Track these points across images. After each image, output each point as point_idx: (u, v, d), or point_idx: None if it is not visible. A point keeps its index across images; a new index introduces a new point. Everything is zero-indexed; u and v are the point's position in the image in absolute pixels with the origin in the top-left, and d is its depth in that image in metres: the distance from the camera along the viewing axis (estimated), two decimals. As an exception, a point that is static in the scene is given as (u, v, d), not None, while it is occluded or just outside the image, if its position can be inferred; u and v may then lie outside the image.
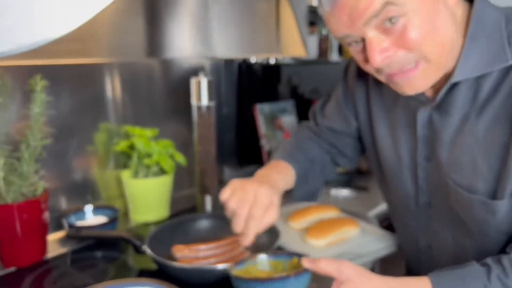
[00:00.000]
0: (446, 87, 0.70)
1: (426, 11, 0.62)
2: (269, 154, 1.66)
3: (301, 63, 1.55)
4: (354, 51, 0.70)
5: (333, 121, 0.98)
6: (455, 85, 0.70)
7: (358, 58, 0.70)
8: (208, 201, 1.26)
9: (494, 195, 0.68)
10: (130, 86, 1.32)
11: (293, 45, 1.27)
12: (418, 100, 0.76)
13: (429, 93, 0.76)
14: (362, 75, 0.89)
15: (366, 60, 0.67)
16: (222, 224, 1.10)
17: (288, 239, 1.03)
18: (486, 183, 0.68)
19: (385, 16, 0.62)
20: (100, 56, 1.25)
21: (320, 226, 1.04)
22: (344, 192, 1.47)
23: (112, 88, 1.28)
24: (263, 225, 0.81)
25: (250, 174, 1.71)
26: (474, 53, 0.67)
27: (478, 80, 0.68)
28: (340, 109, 0.96)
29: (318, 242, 1.00)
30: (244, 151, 1.68)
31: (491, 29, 0.67)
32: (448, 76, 0.70)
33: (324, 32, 1.63)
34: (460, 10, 0.69)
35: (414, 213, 0.85)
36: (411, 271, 1.01)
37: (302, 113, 1.84)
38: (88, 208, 1.20)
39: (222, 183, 1.64)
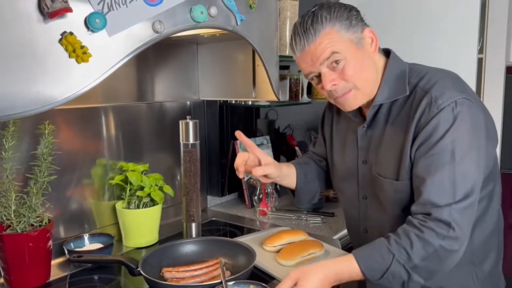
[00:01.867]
0: (371, 109, 1.05)
1: (356, 58, 0.99)
2: (248, 184, 1.83)
3: (275, 104, 1.75)
4: (314, 83, 1.05)
5: (316, 148, 1.35)
6: (378, 109, 1.05)
7: (318, 87, 1.05)
8: (193, 228, 1.40)
9: (397, 178, 1.00)
10: (123, 127, 1.48)
11: (267, 91, 1.46)
12: (358, 121, 1.11)
13: (365, 115, 1.09)
14: (330, 114, 1.25)
15: (322, 87, 1.02)
16: (206, 249, 1.26)
17: (263, 260, 1.20)
18: (392, 171, 1.01)
19: (332, 60, 0.98)
20: (96, 101, 1.40)
21: (290, 248, 1.21)
22: (314, 218, 1.64)
23: (107, 128, 1.44)
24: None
25: (231, 202, 1.89)
26: (387, 88, 1.03)
27: (391, 105, 1.04)
28: (319, 139, 1.33)
29: (287, 262, 1.17)
30: (225, 182, 1.85)
31: (399, 74, 1.04)
32: (371, 103, 1.05)
33: (295, 77, 1.85)
34: (381, 62, 1.06)
35: (356, 205, 1.15)
36: None
37: (277, 146, 2.03)
38: (86, 235, 1.34)
39: (205, 211, 1.80)
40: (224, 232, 1.59)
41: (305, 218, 1.65)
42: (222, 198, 1.89)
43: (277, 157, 2.01)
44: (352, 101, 1.03)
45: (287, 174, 1.25)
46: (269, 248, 1.27)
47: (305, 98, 1.94)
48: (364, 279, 0.94)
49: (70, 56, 0.82)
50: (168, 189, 1.44)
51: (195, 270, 1.14)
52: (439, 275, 0.95)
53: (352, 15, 0.98)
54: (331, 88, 1.00)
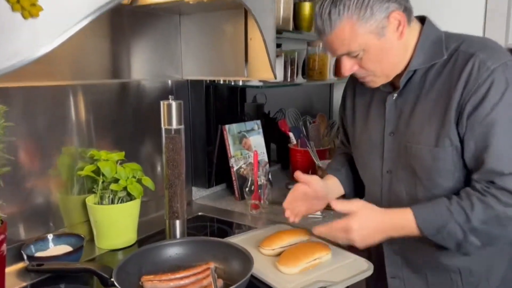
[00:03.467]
0: (405, 75, 1.02)
1: (376, 49, 0.97)
2: (237, 174, 1.65)
3: (266, 85, 1.57)
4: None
5: (342, 136, 1.33)
6: (411, 76, 1.02)
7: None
8: (178, 226, 1.22)
9: (436, 144, 0.98)
10: (95, 109, 1.28)
11: (262, 69, 1.28)
12: (387, 91, 1.07)
13: (396, 83, 1.05)
14: (351, 88, 1.21)
15: None
16: (193, 251, 1.08)
17: (260, 266, 1.02)
18: (429, 138, 0.99)
19: (350, 54, 0.99)
20: (63, 78, 1.20)
21: (292, 253, 1.04)
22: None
23: (76, 110, 1.23)
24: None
25: (219, 194, 1.71)
26: (422, 53, 1.00)
27: (426, 72, 1.01)
28: (341, 124, 1.30)
29: (289, 270, 1.00)
30: (212, 172, 1.67)
31: (434, 39, 1.01)
32: (403, 71, 1.02)
33: (290, 55, 1.66)
34: (415, 31, 1.02)
35: (379, 181, 1.11)
36: None
37: (268, 133, 1.85)
38: (50, 236, 1.15)
39: (190, 205, 1.62)
40: (212, 229, 1.42)
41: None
42: (209, 190, 1.72)
43: (267, 145, 1.84)
44: (371, 84, 1.05)
45: (332, 188, 1.23)
46: (267, 251, 1.10)
47: (300, 78, 1.76)
48: (419, 235, 0.96)
49: (13, 9, 0.62)
50: (147, 182, 1.26)
51: (181, 278, 0.97)
52: (500, 241, 0.97)
53: None
54: (348, 73, 1.02)
